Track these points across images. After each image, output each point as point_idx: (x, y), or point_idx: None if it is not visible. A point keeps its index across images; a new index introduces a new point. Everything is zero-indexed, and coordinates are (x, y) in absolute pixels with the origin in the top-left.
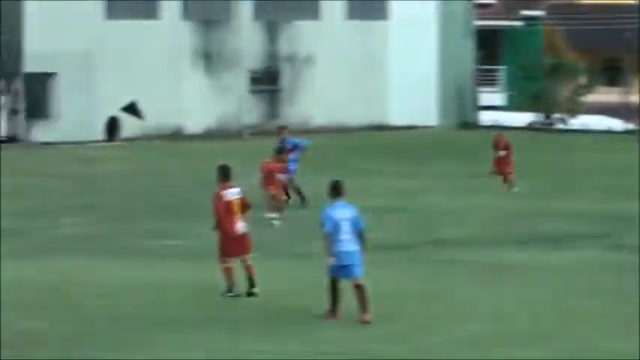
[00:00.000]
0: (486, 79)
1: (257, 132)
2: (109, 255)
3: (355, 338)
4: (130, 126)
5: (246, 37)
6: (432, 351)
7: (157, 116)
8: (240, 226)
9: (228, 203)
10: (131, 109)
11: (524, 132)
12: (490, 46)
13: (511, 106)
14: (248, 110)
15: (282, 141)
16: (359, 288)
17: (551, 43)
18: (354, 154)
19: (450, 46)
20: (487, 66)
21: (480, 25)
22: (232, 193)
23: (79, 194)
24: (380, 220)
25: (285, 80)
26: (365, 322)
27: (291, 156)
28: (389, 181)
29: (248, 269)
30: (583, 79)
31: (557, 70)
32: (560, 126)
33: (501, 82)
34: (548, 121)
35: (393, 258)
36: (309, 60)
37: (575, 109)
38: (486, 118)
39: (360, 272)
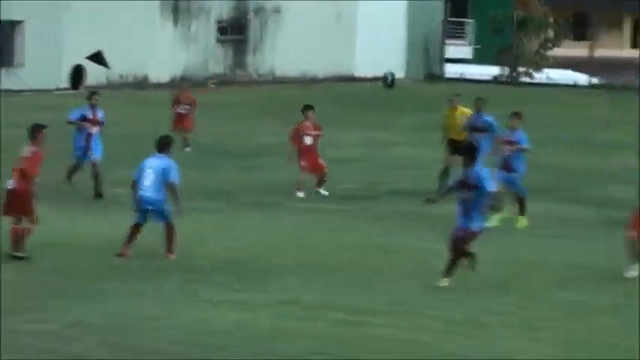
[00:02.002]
0: (454, 32)
1: (222, 82)
2: (64, 204)
3: (311, 288)
4: (95, 75)
5: None
6: (390, 301)
7: (123, 65)
8: (9, 182)
9: (19, 159)
10: (97, 57)
11: (490, 85)
12: None
13: (478, 59)
14: (215, 60)
15: (93, 107)
16: (166, 229)
17: None
18: (320, 105)
19: None
20: (455, 19)
21: None
22: (25, 150)
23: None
24: (344, 172)
25: (252, 30)
26: (169, 259)
27: (96, 130)
28: (354, 132)
29: (12, 232)
30: (550, 33)
31: (525, 24)
32: (526, 79)
33: (469, 35)
34: (513, 74)
35: (355, 209)
36: (277, 10)
37: (541, 63)
38: (452, 70)
39: (162, 219)
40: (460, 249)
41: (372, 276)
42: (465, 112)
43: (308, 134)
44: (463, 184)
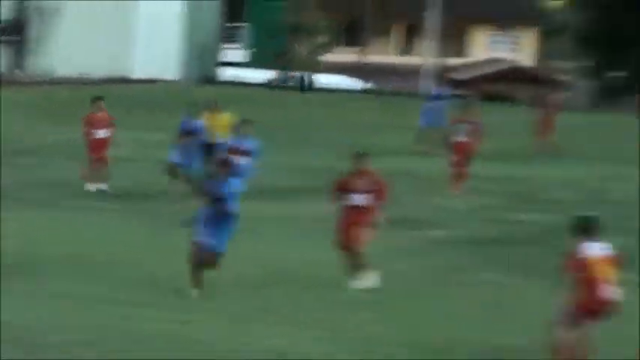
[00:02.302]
0: (230, 36)
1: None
2: None
3: (84, 282)
4: None
5: None
6: (163, 297)
7: None
8: None
9: None
10: None
11: (263, 89)
12: (235, 3)
13: (256, 63)
14: None
15: None
16: None
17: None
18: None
19: (195, 1)
20: (232, 23)
21: None
22: None
23: None
24: (120, 171)
25: (32, 31)
26: None
27: None
28: (130, 133)
29: None
30: (323, 39)
31: (298, 29)
32: (297, 84)
33: (245, 39)
34: (285, 78)
35: (130, 208)
36: (56, 11)
37: (313, 68)
38: (228, 74)
39: None
40: (207, 265)
41: (145, 273)
42: (224, 116)
43: (101, 128)
44: (211, 195)
